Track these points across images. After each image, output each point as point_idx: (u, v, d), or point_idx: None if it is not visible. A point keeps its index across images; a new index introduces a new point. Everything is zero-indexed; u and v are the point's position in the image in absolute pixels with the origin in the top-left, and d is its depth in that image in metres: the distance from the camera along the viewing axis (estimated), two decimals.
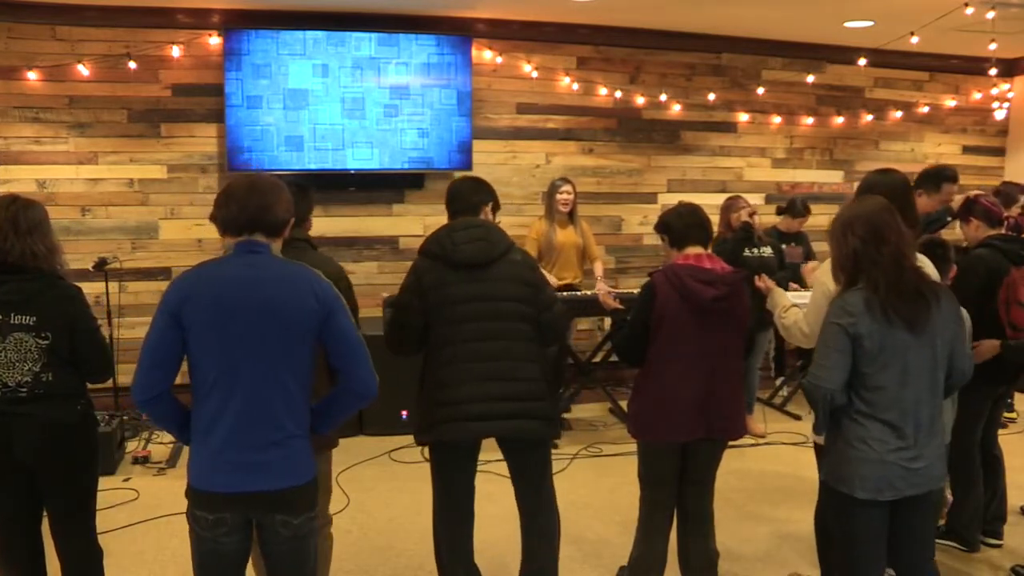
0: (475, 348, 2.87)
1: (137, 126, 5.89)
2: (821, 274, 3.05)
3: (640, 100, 6.79)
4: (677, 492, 3.15)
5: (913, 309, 2.45)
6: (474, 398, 2.85)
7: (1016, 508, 4.16)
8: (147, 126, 5.91)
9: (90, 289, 2.97)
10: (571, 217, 5.82)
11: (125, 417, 5.20)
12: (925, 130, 7.73)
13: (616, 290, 5.76)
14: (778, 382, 6.56)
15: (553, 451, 3.20)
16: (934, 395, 2.53)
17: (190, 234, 6.02)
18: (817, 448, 3.12)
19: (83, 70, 5.67)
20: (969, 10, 5.35)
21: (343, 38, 5.96)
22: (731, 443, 3.21)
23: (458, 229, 2.96)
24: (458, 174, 6.27)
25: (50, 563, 2.88)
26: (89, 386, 2.83)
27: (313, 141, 5.99)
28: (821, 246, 6.57)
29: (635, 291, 4.92)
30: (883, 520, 2.54)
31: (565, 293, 5.31)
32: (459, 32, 6.22)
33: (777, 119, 7.20)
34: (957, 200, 4.13)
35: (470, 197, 3.08)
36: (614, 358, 5.23)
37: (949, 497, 3.80)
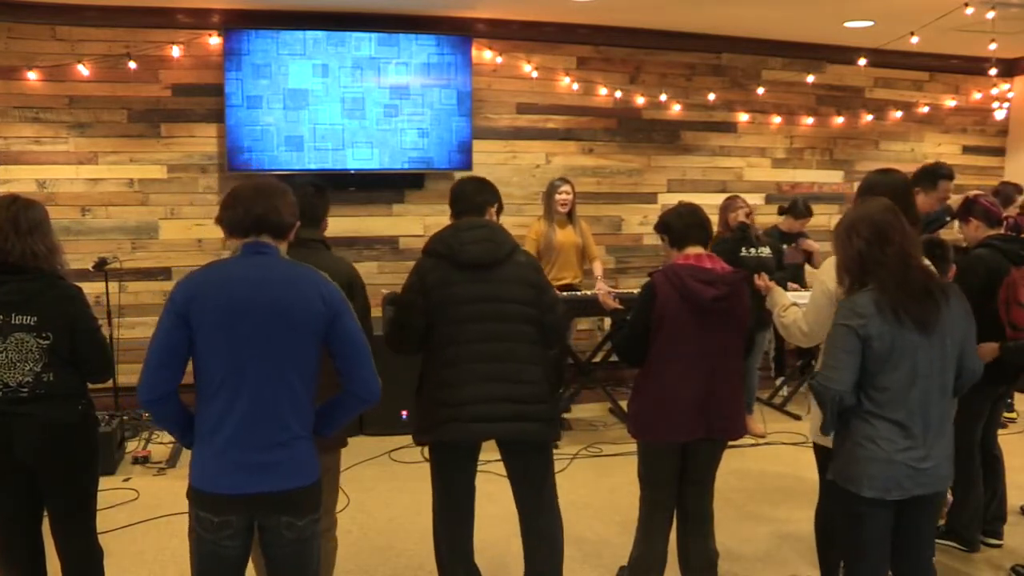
0: (478, 349, 2.86)
1: (137, 126, 5.89)
2: (821, 273, 3.05)
3: (640, 100, 6.79)
4: (677, 492, 3.14)
5: (923, 309, 2.46)
6: (477, 399, 2.84)
7: (1016, 508, 4.16)
8: (147, 126, 5.91)
9: (90, 289, 2.97)
10: (570, 217, 5.82)
11: (125, 417, 5.20)
12: (925, 130, 7.73)
13: (616, 290, 5.76)
14: (778, 382, 6.56)
15: (553, 451, 3.20)
16: (943, 395, 2.53)
17: (190, 234, 6.02)
18: (817, 448, 3.12)
19: (83, 70, 5.68)
20: (969, 10, 5.35)
21: (343, 38, 5.97)
22: (731, 443, 3.20)
23: (464, 229, 2.95)
24: (458, 174, 6.28)
25: (51, 563, 2.88)
26: (90, 386, 2.83)
27: (313, 141, 5.99)
28: (824, 246, 6.59)
29: (635, 291, 4.92)
30: (889, 520, 2.55)
31: (565, 293, 5.31)
32: (459, 32, 6.22)
33: (777, 119, 7.20)
34: (956, 200, 4.14)
35: (475, 197, 3.07)
36: (614, 358, 5.23)
37: (949, 497, 3.80)
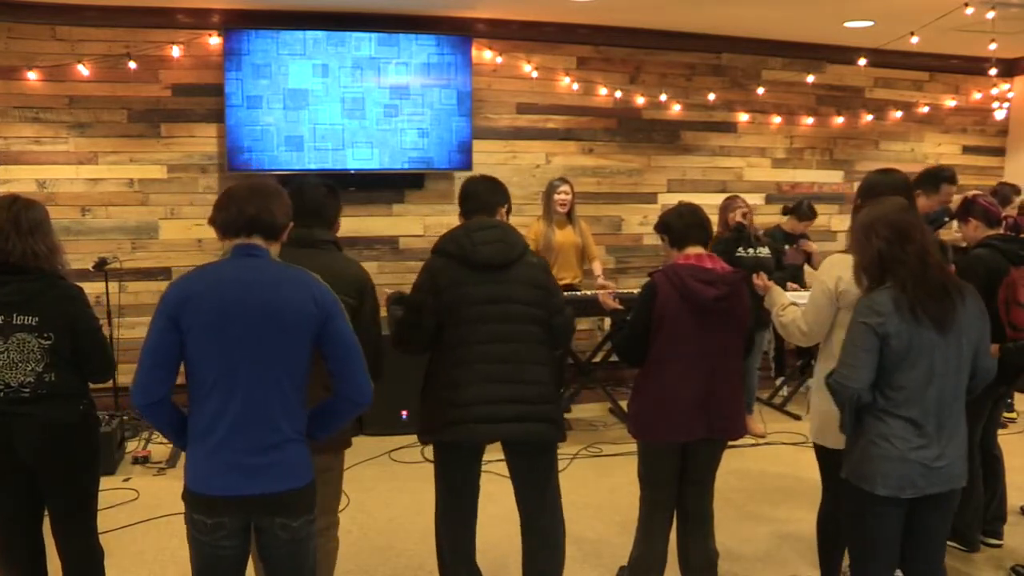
0: (487, 350, 2.85)
1: (137, 126, 5.89)
2: (820, 273, 3.06)
3: (640, 100, 6.79)
4: (677, 492, 3.14)
5: (941, 308, 2.46)
6: (483, 400, 2.83)
7: (1016, 508, 4.16)
8: (147, 126, 5.91)
9: (90, 289, 2.97)
10: (569, 217, 5.82)
11: (125, 417, 5.20)
12: (925, 130, 7.74)
13: (616, 290, 5.76)
14: (778, 382, 6.56)
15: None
16: (958, 394, 2.54)
17: (190, 234, 6.02)
18: (817, 448, 3.13)
19: (83, 70, 5.68)
20: (969, 10, 5.35)
21: (343, 38, 5.97)
22: (731, 443, 3.21)
23: (475, 229, 2.93)
24: (458, 174, 6.29)
25: (51, 563, 2.88)
26: (90, 386, 2.83)
27: (313, 141, 5.99)
28: (823, 246, 6.60)
29: (635, 291, 4.92)
30: (900, 520, 2.55)
31: (565, 293, 5.30)
32: (459, 32, 6.22)
33: (777, 119, 7.20)
34: (955, 200, 4.14)
35: (487, 197, 3.05)
36: (614, 358, 5.23)
37: None
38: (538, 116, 6.64)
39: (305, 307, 2.21)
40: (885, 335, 2.45)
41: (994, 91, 7.53)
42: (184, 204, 6.00)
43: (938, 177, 4.17)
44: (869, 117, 7.46)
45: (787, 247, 6.04)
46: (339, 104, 6.01)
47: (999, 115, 7.80)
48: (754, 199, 6.73)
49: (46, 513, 2.82)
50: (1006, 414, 5.58)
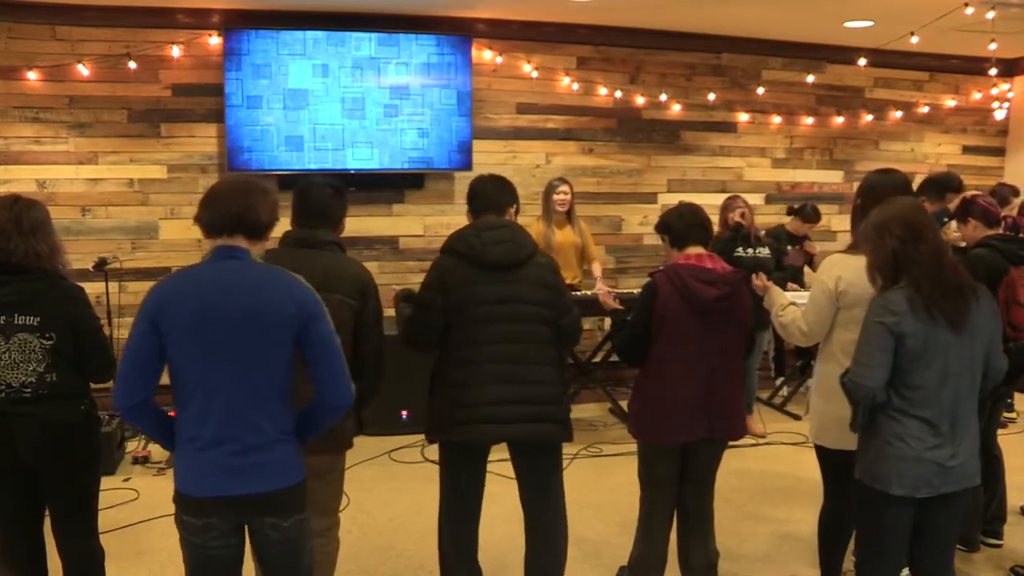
0: (494, 350, 2.85)
1: (137, 126, 5.89)
2: (820, 273, 3.05)
3: (640, 100, 6.79)
4: (677, 492, 3.14)
5: (956, 307, 2.47)
6: (491, 400, 2.82)
7: (1016, 508, 4.16)
8: (147, 126, 5.91)
9: (90, 289, 2.97)
10: (569, 217, 5.82)
11: None
12: (925, 130, 7.74)
13: (615, 290, 5.76)
14: (778, 382, 6.57)
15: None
16: (972, 393, 2.55)
17: (190, 234, 6.01)
18: (818, 449, 3.13)
19: (83, 70, 5.68)
20: (969, 10, 5.35)
21: (343, 38, 5.96)
22: (731, 443, 3.21)
23: (485, 229, 2.92)
24: (458, 174, 6.30)
25: (52, 562, 2.88)
26: (92, 386, 2.83)
27: (313, 141, 5.99)
28: (823, 246, 6.60)
29: (635, 291, 4.92)
30: (911, 519, 2.56)
31: None
32: (459, 32, 6.22)
33: (777, 119, 7.20)
34: (954, 200, 4.14)
35: (497, 197, 3.04)
36: (614, 358, 5.22)
37: None
38: (538, 116, 6.64)
39: (285, 308, 2.19)
40: (901, 335, 2.45)
41: (994, 91, 7.53)
42: (184, 204, 5.99)
43: (945, 187, 4.17)
44: (869, 117, 7.45)
45: (790, 247, 6.06)
46: (339, 104, 6.01)
47: (999, 115, 7.80)
48: (754, 199, 6.73)
49: (47, 513, 2.81)
50: (1006, 414, 5.59)
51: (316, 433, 2.35)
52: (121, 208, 5.92)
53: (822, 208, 6.47)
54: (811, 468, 3.27)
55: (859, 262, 2.91)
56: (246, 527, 2.28)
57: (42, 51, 5.68)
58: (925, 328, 2.45)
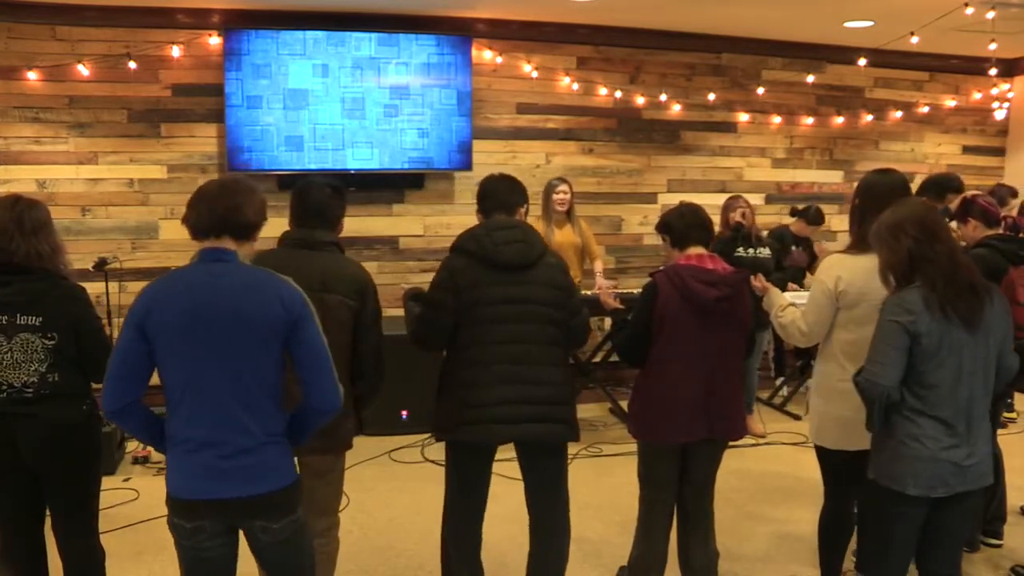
0: (503, 350, 2.84)
1: (137, 126, 5.89)
2: (820, 273, 3.05)
3: (640, 100, 6.80)
4: (677, 492, 3.15)
5: (970, 307, 2.48)
6: (499, 401, 2.82)
7: (1016, 508, 4.17)
8: (147, 126, 5.91)
9: (90, 289, 2.97)
10: (569, 217, 5.81)
11: None
12: (925, 130, 7.74)
13: (617, 290, 5.75)
14: (778, 382, 6.57)
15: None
16: (986, 392, 2.55)
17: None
18: (818, 449, 3.13)
19: (83, 70, 5.68)
20: (969, 10, 5.35)
21: (343, 38, 5.96)
22: (731, 443, 3.21)
23: (496, 229, 2.90)
24: (458, 174, 6.30)
25: (53, 562, 2.88)
26: (93, 386, 2.83)
27: (313, 141, 5.99)
28: (823, 246, 6.60)
29: (635, 291, 4.92)
30: (922, 519, 2.57)
31: None
32: (459, 32, 6.22)
33: (777, 119, 7.20)
34: (954, 200, 4.14)
35: (506, 196, 3.03)
36: (614, 358, 5.23)
37: None
38: (538, 116, 6.64)
39: (272, 310, 2.18)
40: (916, 334, 2.45)
41: (994, 91, 7.53)
42: (184, 204, 5.91)
43: (945, 187, 4.17)
44: (869, 117, 7.46)
45: (794, 248, 6.06)
46: (339, 104, 6.01)
47: (999, 115, 7.80)
48: (754, 199, 6.72)
49: (47, 513, 2.82)
50: (1006, 414, 5.59)
51: (307, 435, 2.34)
52: (121, 208, 5.92)
53: (823, 208, 6.46)
54: (811, 468, 3.27)
55: (858, 262, 2.91)
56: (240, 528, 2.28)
57: (42, 51, 5.68)
58: (940, 327, 2.45)
